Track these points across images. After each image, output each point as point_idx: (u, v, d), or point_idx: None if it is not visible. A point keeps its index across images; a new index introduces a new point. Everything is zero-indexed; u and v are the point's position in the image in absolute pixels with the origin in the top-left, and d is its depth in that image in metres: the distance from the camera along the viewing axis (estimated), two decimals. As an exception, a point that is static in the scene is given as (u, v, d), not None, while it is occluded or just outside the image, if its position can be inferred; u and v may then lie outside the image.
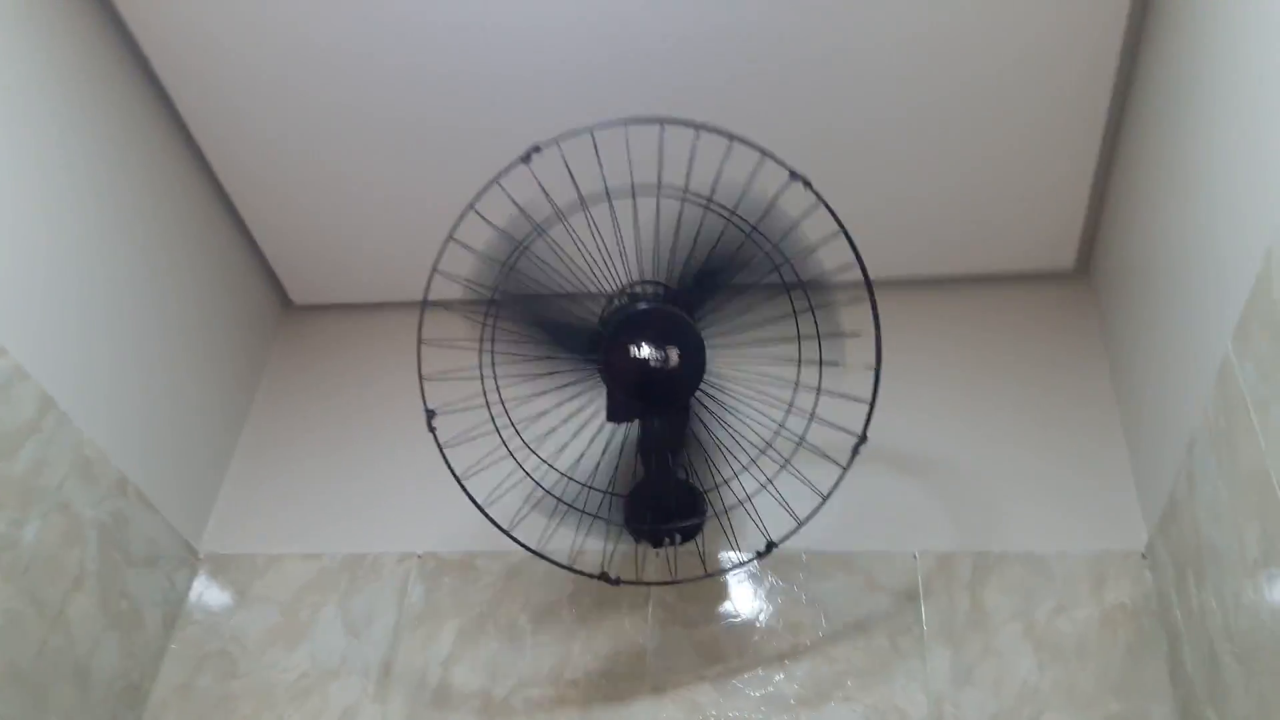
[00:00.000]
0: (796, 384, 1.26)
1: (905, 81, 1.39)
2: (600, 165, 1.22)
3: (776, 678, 1.36)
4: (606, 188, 1.23)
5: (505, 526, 1.30)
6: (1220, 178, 1.09)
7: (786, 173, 1.19)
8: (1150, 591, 1.35)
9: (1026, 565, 1.40)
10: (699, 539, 1.44)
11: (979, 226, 1.57)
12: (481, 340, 1.28)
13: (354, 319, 1.83)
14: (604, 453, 1.34)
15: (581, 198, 1.23)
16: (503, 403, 1.29)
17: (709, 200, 1.21)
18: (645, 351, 1.21)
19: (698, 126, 1.20)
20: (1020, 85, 1.37)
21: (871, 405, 1.24)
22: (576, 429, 1.33)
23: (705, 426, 1.32)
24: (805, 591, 1.42)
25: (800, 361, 1.25)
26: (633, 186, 1.22)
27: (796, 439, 1.27)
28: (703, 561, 1.44)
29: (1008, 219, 1.55)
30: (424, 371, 1.30)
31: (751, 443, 1.32)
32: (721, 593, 1.45)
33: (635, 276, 1.29)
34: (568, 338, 1.28)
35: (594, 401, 1.32)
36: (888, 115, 1.43)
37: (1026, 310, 1.63)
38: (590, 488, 1.33)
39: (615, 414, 1.29)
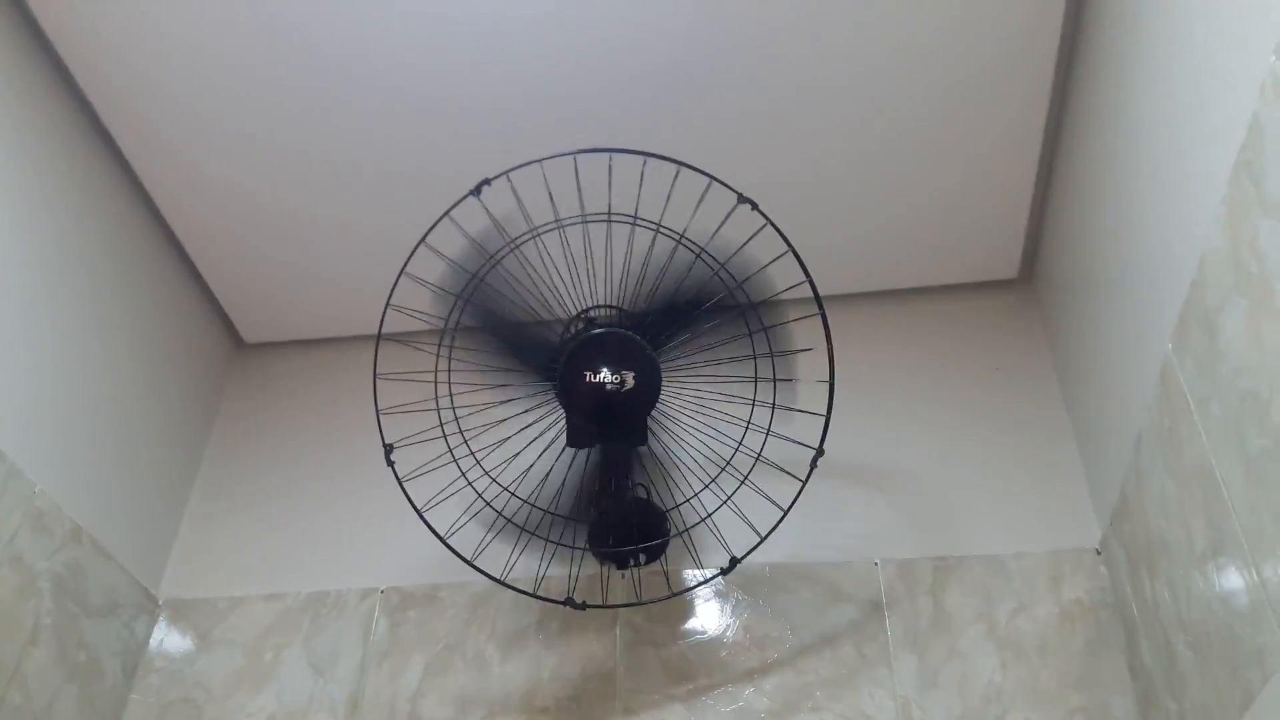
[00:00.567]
0: (754, 401, 1.28)
1: (849, 106, 1.42)
2: (550, 196, 1.24)
3: (746, 692, 1.37)
4: (557, 217, 1.24)
5: (468, 557, 1.30)
6: (1154, 187, 1.12)
7: (735, 197, 1.21)
8: (1106, 586, 1.38)
9: (985, 567, 1.42)
10: (663, 559, 1.45)
11: (925, 240, 1.60)
12: (436, 371, 1.28)
13: (307, 355, 1.82)
14: (565, 478, 1.35)
15: (532, 228, 1.24)
16: (462, 433, 1.29)
17: (658, 225, 1.23)
18: (600, 375, 1.22)
19: (645, 155, 1.22)
20: (961, 105, 1.41)
21: (827, 418, 1.26)
22: (537, 455, 1.33)
23: (665, 447, 1.34)
24: (770, 605, 1.44)
25: (756, 379, 1.26)
26: (582, 215, 1.23)
27: (754, 455, 1.28)
28: (667, 581, 1.44)
29: (953, 231, 1.59)
30: (380, 405, 1.30)
31: (711, 461, 1.33)
32: (688, 611, 1.46)
33: (590, 302, 1.30)
34: (527, 353, 1.28)
35: (554, 427, 1.32)
36: (833, 138, 1.46)
37: (974, 319, 1.66)
38: (553, 513, 1.33)
39: (575, 439, 1.30)
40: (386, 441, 1.28)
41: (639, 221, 1.23)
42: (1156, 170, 1.11)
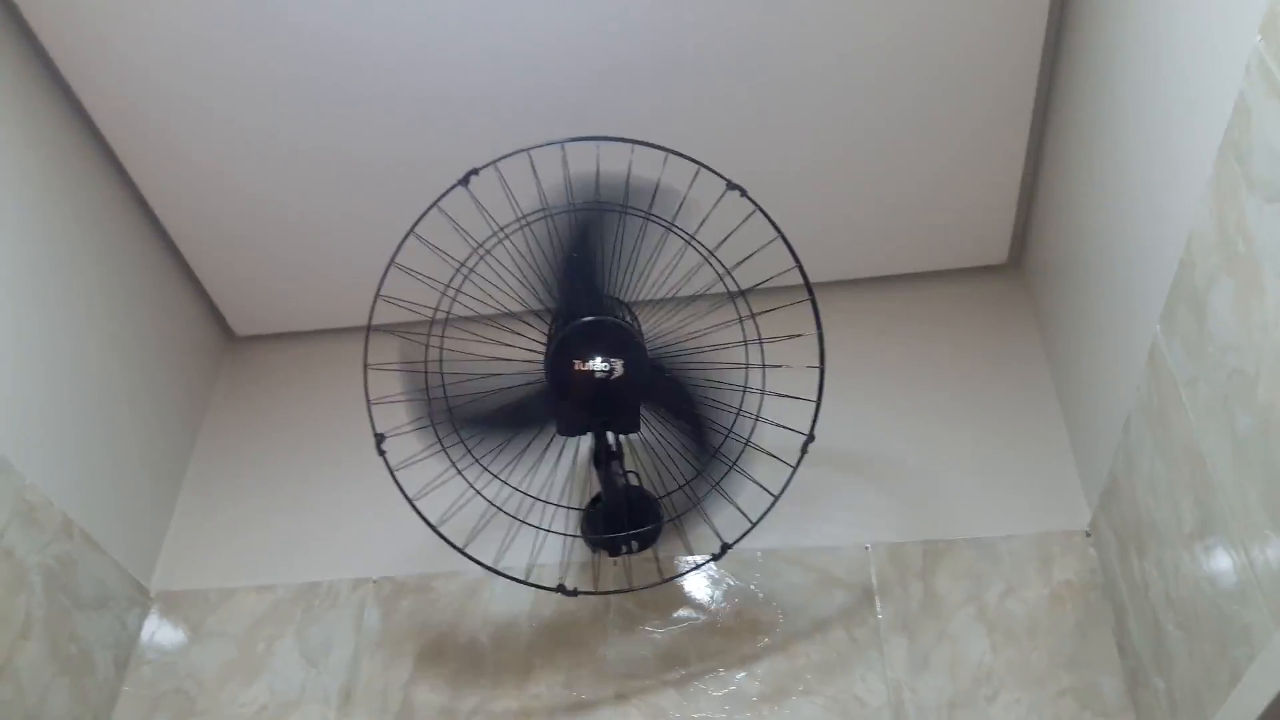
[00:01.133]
0: (744, 388, 1.28)
1: (838, 93, 1.42)
2: (539, 185, 1.23)
3: (738, 677, 1.38)
4: (545, 205, 1.24)
5: (460, 545, 1.30)
6: (1141, 169, 1.13)
7: (724, 184, 1.21)
8: (1095, 568, 1.39)
9: (975, 550, 1.43)
10: (655, 545, 1.46)
11: (914, 225, 1.61)
12: (427, 362, 1.28)
13: (297, 347, 1.82)
14: (556, 465, 1.35)
15: (520, 217, 1.24)
16: (453, 421, 1.29)
17: (647, 213, 1.23)
18: (590, 364, 1.22)
19: (633, 143, 1.21)
20: (948, 90, 1.41)
21: (817, 404, 1.26)
22: (528, 442, 1.33)
23: (656, 434, 1.34)
24: (762, 590, 1.44)
25: (746, 366, 1.27)
26: (570, 204, 1.23)
27: (744, 440, 1.28)
28: (658, 567, 1.45)
29: (942, 217, 1.59)
30: (371, 395, 1.29)
31: (705, 448, 1.33)
32: (680, 596, 1.46)
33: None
34: (517, 413, 1.28)
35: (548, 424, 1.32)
36: (823, 126, 1.46)
37: (963, 304, 1.67)
38: (544, 501, 1.33)
39: (566, 427, 1.30)
40: (378, 431, 1.28)
41: (628, 210, 1.23)
42: (1143, 152, 1.12)
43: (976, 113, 1.44)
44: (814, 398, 1.26)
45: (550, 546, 1.42)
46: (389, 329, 1.32)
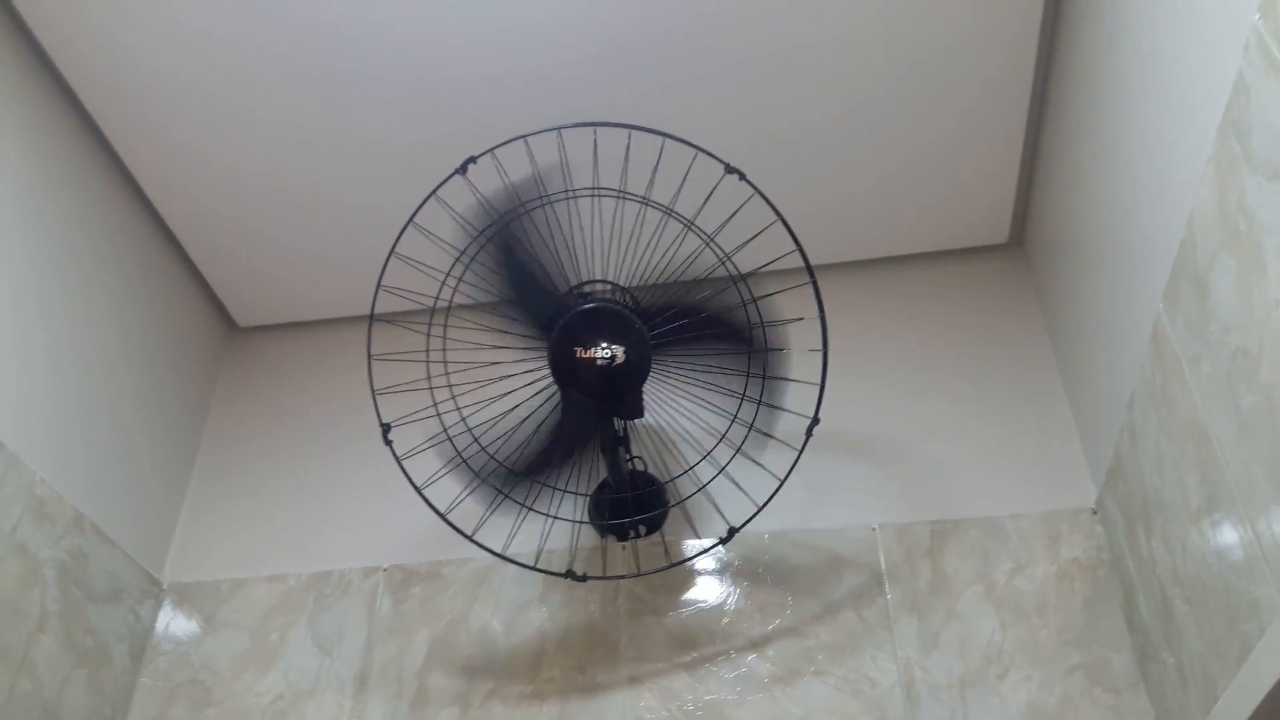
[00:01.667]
0: (748, 373, 1.28)
1: (836, 74, 1.41)
2: (536, 172, 1.23)
3: (749, 658, 1.39)
4: (541, 193, 1.23)
5: (468, 532, 1.31)
6: (1141, 147, 1.12)
7: (722, 168, 1.20)
8: (1102, 545, 1.39)
9: (982, 529, 1.43)
10: (663, 529, 1.46)
11: (915, 206, 1.60)
12: (429, 350, 1.28)
13: (300, 337, 1.82)
14: (559, 450, 1.35)
15: (516, 204, 1.23)
16: (459, 409, 1.29)
17: (644, 198, 1.22)
18: (591, 350, 1.22)
19: (631, 128, 1.21)
20: (946, 70, 1.40)
21: (821, 387, 1.26)
22: (534, 429, 1.34)
23: (661, 419, 1.34)
24: (771, 572, 1.45)
25: (749, 351, 1.27)
26: (567, 189, 1.23)
27: (748, 425, 1.28)
28: (666, 551, 1.45)
29: (942, 197, 1.58)
30: (376, 384, 1.30)
31: (709, 433, 1.34)
32: (690, 580, 1.47)
33: (582, 277, 1.30)
34: (529, 297, 1.27)
35: (550, 399, 1.32)
36: (821, 107, 1.45)
37: (965, 284, 1.66)
38: (551, 487, 1.34)
39: (571, 413, 1.30)
40: (383, 420, 1.28)
41: (625, 195, 1.22)
42: (1143, 130, 1.11)
43: (975, 91, 1.42)
44: (817, 381, 1.26)
45: (559, 532, 1.42)
46: (391, 318, 1.32)
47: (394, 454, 1.28)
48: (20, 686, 1.27)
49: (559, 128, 1.22)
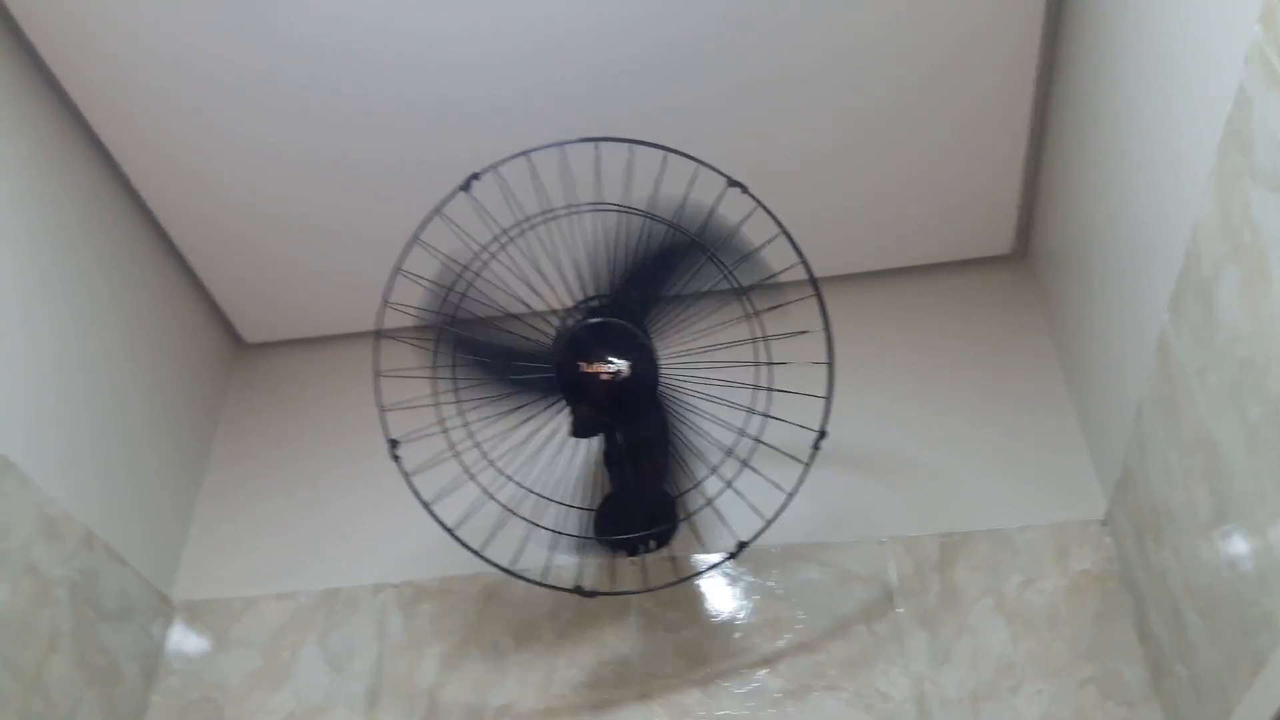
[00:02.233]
0: (755, 386, 1.28)
1: (836, 85, 1.41)
2: (540, 186, 1.24)
3: (760, 674, 1.38)
4: (545, 208, 1.24)
5: (477, 548, 1.31)
6: (1145, 158, 1.12)
7: (724, 182, 1.21)
8: (1112, 557, 1.38)
9: (992, 542, 1.42)
10: (672, 544, 1.46)
11: (918, 218, 1.60)
12: (435, 367, 1.28)
13: (307, 354, 1.83)
14: (569, 467, 1.35)
15: (520, 220, 1.24)
16: (467, 425, 1.30)
17: (648, 213, 1.23)
18: (595, 365, 1.23)
19: (633, 142, 1.21)
20: (947, 80, 1.40)
21: (828, 400, 1.26)
22: (542, 444, 1.34)
23: (668, 433, 1.34)
24: (781, 587, 1.44)
25: (757, 364, 1.26)
26: (569, 205, 1.23)
27: (755, 439, 1.28)
28: (674, 567, 1.45)
29: (945, 208, 1.58)
30: (383, 400, 1.30)
31: (717, 447, 1.33)
32: (700, 595, 1.46)
33: (588, 292, 1.30)
34: (519, 364, 1.28)
35: (558, 415, 1.32)
36: (823, 119, 1.45)
37: (970, 295, 1.66)
38: (559, 503, 1.34)
39: (578, 429, 1.30)
40: (390, 436, 1.28)
41: (628, 210, 1.23)
42: (1146, 142, 1.11)
43: (977, 103, 1.42)
44: (823, 394, 1.26)
45: (567, 548, 1.42)
46: (398, 334, 1.32)
47: (402, 470, 1.28)
48: (33, 706, 1.27)
49: (561, 143, 1.23)
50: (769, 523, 1.30)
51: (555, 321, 1.30)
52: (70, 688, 1.34)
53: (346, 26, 1.34)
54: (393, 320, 1.31)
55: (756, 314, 1.23)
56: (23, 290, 1.35)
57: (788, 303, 1.24)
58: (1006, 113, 1.43)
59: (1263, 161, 0.83)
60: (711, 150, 1.24)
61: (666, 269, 1.24)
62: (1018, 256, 1.67)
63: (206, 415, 1.76)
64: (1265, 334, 0.87)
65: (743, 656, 1.40)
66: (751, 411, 1.28)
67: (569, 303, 1.31)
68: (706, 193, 1.23)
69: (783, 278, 1.24)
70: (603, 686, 1.40)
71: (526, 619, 1.48)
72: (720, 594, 1.46)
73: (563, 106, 1.42)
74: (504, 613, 1.49)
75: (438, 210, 1.24)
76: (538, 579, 1.35)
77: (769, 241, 1.22)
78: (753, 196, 1.21)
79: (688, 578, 1.46)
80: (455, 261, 1.24)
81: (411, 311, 1.25)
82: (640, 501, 1.40)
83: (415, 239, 1.25)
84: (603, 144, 1.23)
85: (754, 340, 1.26)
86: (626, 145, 1.22)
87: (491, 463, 1.31)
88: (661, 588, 1.43)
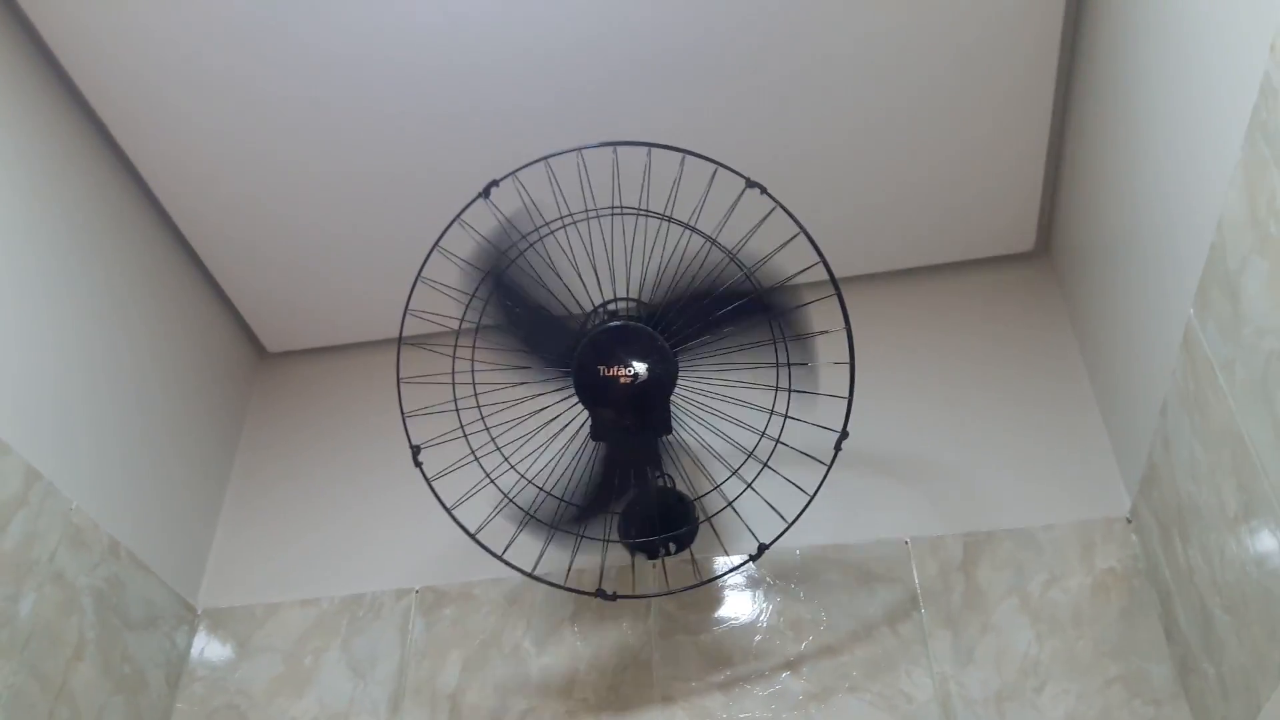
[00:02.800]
0: (776, 388, 1.28)
1: (856, 84, 1.41)
2: (561, 192, 1.24)
3: (783, 676, 1.38)
4: (563, 213, 1.24)
5: (498, 552, 1.31)
6: (1168, 151, 1.11)
7: (743, 182, 1.21)
8: (1138, 554, 1.37)
9: (1016, 541, 1.42)
10: (693, 547, 1.45)
11: (939, 216, 1.59)
12: (454, 373, 1.29)
13: (329, 362, 1.84)
14: (591, 470, 1.35)
15: (538, 225, 1.24)
16: (487, 429, 1.30)
17: (665, 215, 1.23)
18: (614, 369, 1.23)
19: (651, 145, 1.22)
20: (969, 77, 1.39)
21: (849, 401, 1.26)
22: (562, 448, 1.34)
23: (691, 435, 1.34)
24: (803, 588, 1.44)
25: (778, 365, 1.26)
26: (587, 210, 1.23)
27: (775, 440, 1.28)
28: (695, 569, 1.45)
29: (966, 206, 1.57)
30: (405, 407, 1.31)
31: (738, 449, 1.33)
32: (721, 598, 1.46)
33: (608, 295, 1.30)
34: (545, 342, 1.28)
35: (577, 419, 1.33)
36: (842, 118, 1.45)
37: (992, 293, 1.65)
38: (579, 505, 1.34)
39: (598, 431, 1.31)
40: (413, 443, 1.29)
41: (646, 212, 1.23)
42: (1170, 134, 1.10)
43: (997, 99, 1.42)
44: (844, 395, 1.25)
45: (590, 551, 1.42)
46: (419, 341, 1.33)
47: (424, 475, 1.29)
48: (60, 714, 1.28)
49: (580, 148, 1.23)
50: (790, 524, 1.29)
51: (578, 324, 1.31)
52: (96, 695, 1.35)
53: (364, 41, 1.34)
54: (414, 327, 1.31)
55: (780, 315, 1.23)
56: (49, 302, 1.37)
57: (809, 303, 1.24)
58: (1027, 109, 1.43)
59: (1288, 153, 0.83)
60: (730, 152, 1.24)
61: (718, 309, 1.24)
62: (1040, 253, 1.67)
63: (230, 424, 1.77)
64: (1292, 326, 0.86)
65: (765, 659, 1.39)
66: (772, 413, 1.27)
67: (587, 308, 1.31)
68: (727, 193, 1.23)
69: (802, 278, 1.24)
70: (625, 690, 1.40)
71: (548, 623, 1.48)
72: (742, 596, 1.45)
73: (579, 113, 1.43)
74: (526, 617, 1.49)
75: (457, 218, 1.24)
76: (559, 583, 1.35)
77: (788, 241, 1.22)
78: (771, 197, 1.21)
79: (709, 580, 1.46)
80: (503, 235, 1.24)
81: (433, 319, 1.25)
82: (658, 504, 1.40)
83: (436, 246, 1.26)
84: (621, 148, 1.23)
85: (774, 341, 1.25)
86: (645, 149, 1.22)
87: (513, 466, 1.31)
88: (683, 590, 1.42)
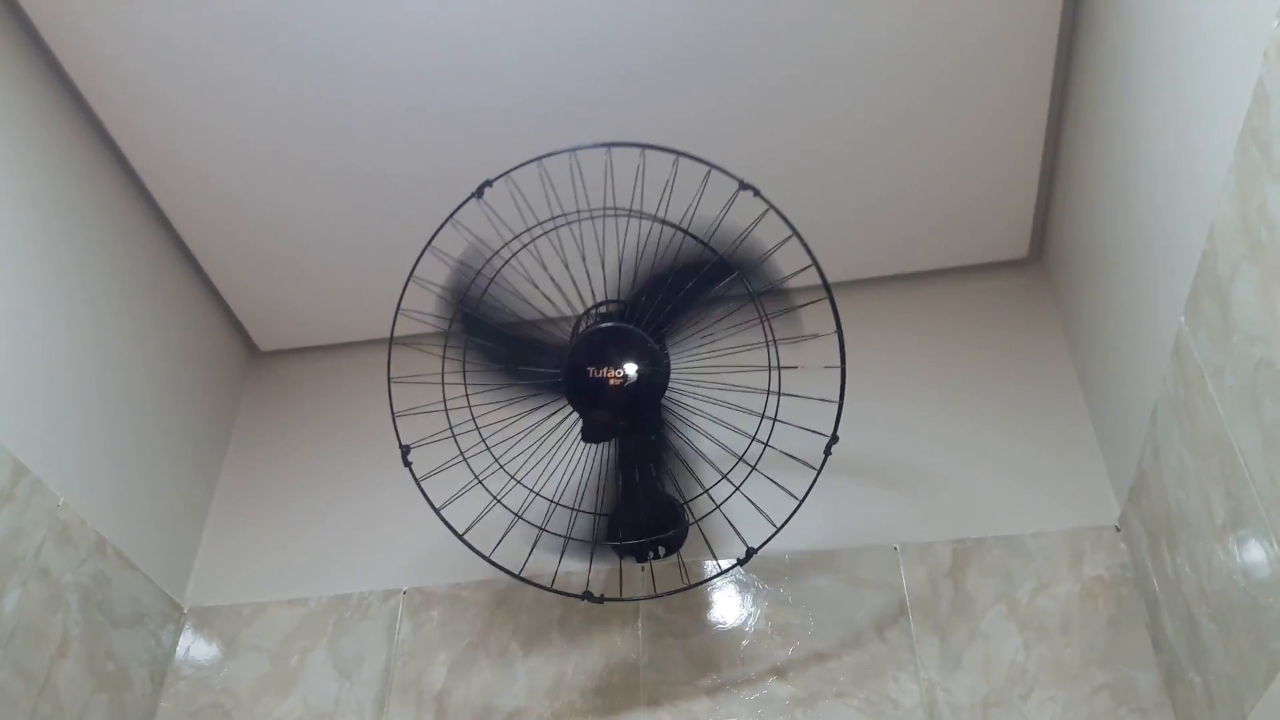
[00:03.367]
0: (767, 391, 1.28)
1: (850, 88, 1.41)
2: (553, 192, 1.24)
3: (770, 681, 1.38)
4: (555, 214, 1.24)
5: (486, 554, 1.30)
6: (1161, 158, 1.11)
7: (736, 185, 1.21)
8: (1126, 562, 1.37)
9: (1004, 548, 1.42)
10: (682, 551, 1.45)
11: (932, 222, 1.59)
12: (444, 374, 1.28)
13: (321, 361, 1.83)
14: (581, 472, 1.35)
15: (529, 227, 1.24)
16: (478, 430, 1.29)
17: (656, 217, 1.23)
18: (603, 371, 1.23)
19: (645, 147, 1.21)
20: (964, 83, 1.40)
21: (840, 405, 1.26)
22: (552, 450, 1.34)
23: (679, 439, 1.34)
24: (791, 593, 1.44)
25: (769, 368, 1.26)
26: (579, 211, 1.23)
27: (765, 443, 1.28)
28: (683, 573, 1.45)
29: (960, 212, 1.58)
30: (396, 407, 1.30)
31: (729, 453, 1.33)
32: (709, 602, 1.46)
33: (600, 297, 1.30)
34: (532, 357, 1.29)
35: (568, 420, 1.32)
36: (836, 122, 1.45)
37: (984, 300, 1.66)
38: (569, 508, 1.34)
39: (589, 434, 1.30)
40: (403, 443, 1.28)
41: (637, 214, 1.23)
42: (1163, 141, 1.10)
43: (992, 105, 1.42)
44: (835, 399, 1.25)
45: (579, 554, 1.42)
46: (410, 341, 1.32)
47: (413, 475, 1.28)
48: (42, 710, 1.27)
49: (573, 149, 1.23)
50: (779, 529, 1.29)
51: (566, 327, 1.30)
52: (80, 693, 1.34)
53: (359, 40, 1.35)
54: (405, 327, 1.31)
55: (768, 318, 1.23)
56: (39, 298, 1.36)
57: (800, 306, 1.24)
58: (1022, 116, 1.43)
59: (1280, 160, 0.83)
60: (724, 154, 1.24)
61: (689, 283, 1.23)
62: (1033, 260, 1.67)
63: (220, 422, 1.76)
64: (1282, 334, 0.86)
65: (752, 663, 1.39)
66: (762, 417, 1.27)
67: (580, 309, 1.31)
68: (718, 197, 1.23)
69: (795, 282, 1.24)
70: (611, 693, 1.40)
71: (536, 625, 1.48)
72: (730, 601, 1.45)
73: (573, 113, 1.43)
74: (513, 619, 1.49)
75: (450, 218, 1.24)
76: (547, 585, 1.35)
77: (781, 244, 1.22)
78: (765, 199, 1.21)
79: (696, 584, 1.45)
80: (475, 256, 1.24)
81: (424, 319, 1.25)
82: (647, 507, 1.39)
83: (428, 246, 1.26)
84: (614, 149, 1.23)
85: (766, 344, 1.25)
86: (638, 150, 1.22)
87: (502, 467, 1.31)
88: (670, 594, 1.42)
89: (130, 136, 1.48)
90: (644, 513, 1.39)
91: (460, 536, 1.29)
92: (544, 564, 1.35)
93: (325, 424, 1.75)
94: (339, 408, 1.76)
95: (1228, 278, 0.96)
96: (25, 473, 1.29)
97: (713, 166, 1.21)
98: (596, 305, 1.32)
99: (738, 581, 1.46)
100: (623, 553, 1.47)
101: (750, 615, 1.43)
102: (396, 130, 1.45)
